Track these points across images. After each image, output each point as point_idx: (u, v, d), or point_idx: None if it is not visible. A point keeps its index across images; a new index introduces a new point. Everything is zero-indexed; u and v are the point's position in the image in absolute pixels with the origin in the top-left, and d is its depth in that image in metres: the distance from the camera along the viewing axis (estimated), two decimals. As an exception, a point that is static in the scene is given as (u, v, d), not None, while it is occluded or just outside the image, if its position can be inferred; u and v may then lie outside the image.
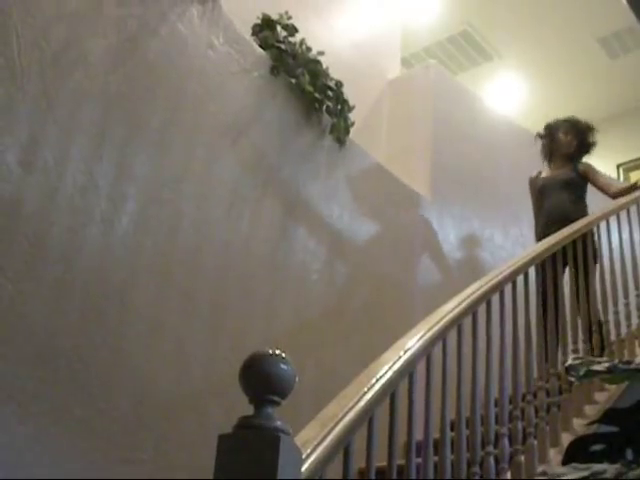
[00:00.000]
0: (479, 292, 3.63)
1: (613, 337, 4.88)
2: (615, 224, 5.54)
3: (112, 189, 4.11)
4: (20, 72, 3.78)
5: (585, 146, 6.49)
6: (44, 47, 3.92)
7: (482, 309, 3.69)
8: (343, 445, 2.01)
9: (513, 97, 11.11)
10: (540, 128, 6.66)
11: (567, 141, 6.45)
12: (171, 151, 4.49)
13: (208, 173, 4.71)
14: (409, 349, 2.66)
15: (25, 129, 3.80)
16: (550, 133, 6.60)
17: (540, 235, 5.97)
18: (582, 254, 4.96)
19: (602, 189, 6.27)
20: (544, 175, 6.52)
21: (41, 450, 3.58)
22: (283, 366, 1.62)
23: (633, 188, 6.04)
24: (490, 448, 3.48)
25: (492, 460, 3.47)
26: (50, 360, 3.71)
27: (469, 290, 3.61)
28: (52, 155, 3.88)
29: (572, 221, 5.25)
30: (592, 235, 5.25)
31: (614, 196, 6.03)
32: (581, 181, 6.29)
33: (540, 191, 6.41)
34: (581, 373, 1.61)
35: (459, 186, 7.21)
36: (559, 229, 5.07)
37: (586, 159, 6.49)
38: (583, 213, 5.90)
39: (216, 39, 4.93)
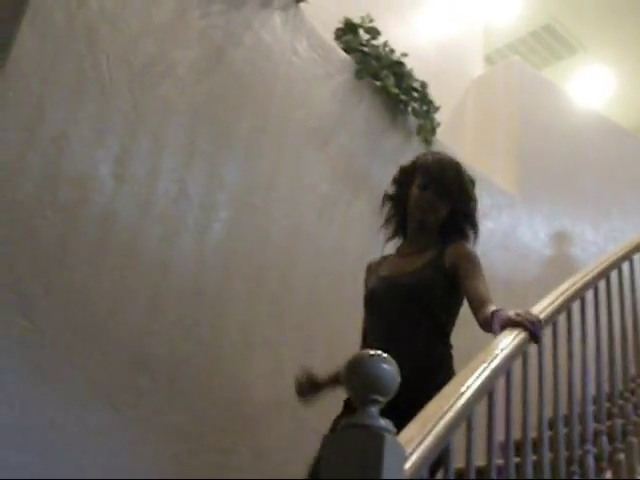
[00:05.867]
0: (573, 289, 3.58)
1: None
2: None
3: (203, 197, 4.18)
4: (110, 87, 3.87)
5: (461, 218, 3.39)
6: (132, 61, 4.00)
7: (576, 306, 3.66)
8: (443, 444, 2.02)
9: (600, 90, 10.94)
10: (630, 120, 6.04)
11: (428, 204, 3.30)
12: (260, 158, 4.55)
13: (297, 178, 4.75)
14: (505, 348, 2.65)
15: (116, 142, 3.89)
16: (401, 191, 3.47)
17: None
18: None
19: (473, 308, 3.08)
20: (384, 268, 3.42)
21: (139, 455, 3.67)
22: (385, 366, 1.64)
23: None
24: (589, 446, 3.44)
25: (591, 458, 3.42)
26: (147, 367, 3.79)
27: (563, 287, 3.57)
28: (144, 166, 3.96)
29: (416, 388, 2.52)
30: None
31: (484, 323, 2.95)
32: (448, 288, 3.21)
33: (369, 297, 3.38)
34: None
35: (547, 183, 7.13)
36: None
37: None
38: (441, 366, 3.11)
39: (300, 45, 4.97)
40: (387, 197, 3.53)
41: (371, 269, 3.53)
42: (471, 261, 3.24)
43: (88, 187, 3.71)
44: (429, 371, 2.97)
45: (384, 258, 3.49)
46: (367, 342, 3.32)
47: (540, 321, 2.92)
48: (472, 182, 3.42)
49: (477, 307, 3.06)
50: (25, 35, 3.55)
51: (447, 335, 3.23)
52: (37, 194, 3.53)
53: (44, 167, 3.58)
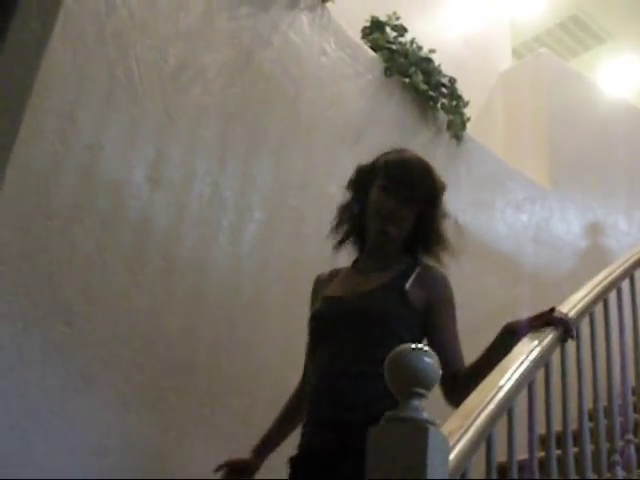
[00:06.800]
0: (609, 279, 3.58)
1: None
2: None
3: (238, 199, 4.21)
4: (141, 92, 3.91)
5: (430, 228, 2.75)
6: (162, 66, 4.04)
7: (613, 296, 3.65)
8: (485, 436, 2.03)
9: (629, 79, 10.86)
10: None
11: (391, 211, 2.67)
12: (292, 158, 4.57)
13: (329, 177, 4.77)
14: (544, 339, 2.66)
15: (150, 147, 3.93)
16: (359, 194, 2.86)
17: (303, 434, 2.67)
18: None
19: (440, 354, 1.81)
20: (333, 286, 2.81)
21: (184, 457, 3.69)
22: (427, 359, 1.65)
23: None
24: (630, 436, 3.44)
25: (632, 449, 3.42)
26: (188, 370, 3.83)
27: (599, 277, 3.57)
28: (177, 170, 4.00)
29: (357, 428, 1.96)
30: None
31: (464, 384, 2.44)
32: (408, 318, 2.61)
33: (312, 320, 2.78)
34: None
35: (579, 174, 7.11)
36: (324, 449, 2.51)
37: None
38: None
39: (328, 45, 4.99)
40: (343, 204, 2.92)
41: (320, 285, 2.92)
42: (451, 304, 2.70)
43: (123, 193, 3.75)
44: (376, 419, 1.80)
45: (335, 272, 2.90)
46: (307, 376, 2.78)
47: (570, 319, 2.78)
48: (443, 187, 2.79)
49: (453, 371, 2.51)
50: (56, 44, 3.59)
51: None
52: (74, 202, 3.57)
53: (79, 174, 3.62)
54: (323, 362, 2.63)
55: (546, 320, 2.68)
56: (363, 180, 2.84)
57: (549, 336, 2.68)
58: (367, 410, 2.32)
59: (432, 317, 2.63)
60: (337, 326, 2.62)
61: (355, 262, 2.87)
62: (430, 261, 2.74)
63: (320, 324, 2.71)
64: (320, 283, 2.91)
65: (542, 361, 2.62)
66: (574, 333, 2.80)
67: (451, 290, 2.70)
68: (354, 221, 2.86)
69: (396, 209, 2.66)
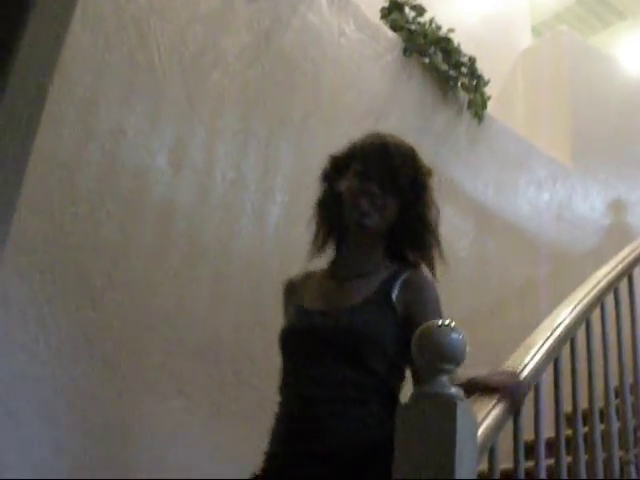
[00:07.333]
0: (633, 255, 3.58)
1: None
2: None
3: (260, 182, 4.22)
4: (162, 77, 3.91)
5: (416, 221, 2.36)
6: (183, 51, 4.04)
7: (637, 271, 3.64)
8: (512, 412, 2.04)
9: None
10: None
11: (369, 198, 2.32)
12: (313, 139, 4.56)
13: (351, 158, 4.77)
14: (567, 316, 2.66)
15: (172, 132, 3.93)
16: (334, 187, 2.51)
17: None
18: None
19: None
20: (308, 296, 2.44)
21: (209, 440, 3.71)
22: (454, 335, 1.65)
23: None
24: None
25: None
26: (215, 354, 3.84)
27: (623, 253, 3.57)
28: (200, 154, 4.01)
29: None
30: None
31: None
32: (397, 334, 2.20)
33: (285, 337, 2.42)
34: None
35: (602, 151, 7.06)
36: None
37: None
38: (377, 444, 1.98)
39: (347, 26, 4.97)
40: (317, 202, 2.57)
41: (291, 292, 2.52)
42: (437, 305, 2.29)
43: (147, 178, 3.76)
44: (364, 449, 2.05)
45: (309, 276, 2.51)
46: (281, 401, 2.39)
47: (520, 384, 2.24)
48: (429, 172, 2.41)
49: None
50: (76, 31, 3.58)
51: (391, 394, 2.20)
52: (97, 188, 3.58)
53: (102, 160, 3.63)
54: (298, 385, 2.30)
55: (496, 387, 2.12)
56: (339, 169, 2.48)
57: (573, 313, 2.67)
58: (352, 442, 2.09)
59: (413, 318, 2.14)
60: (315, 345, 2.26)
61: (332, 265, 2.47)
62: (418, 257, 2.37)
63: (294, 342, 2.35)
64: (291, 289, 2.52)
65: (566, 338, 2.62)
66: (521, 406, 2.23)
67: (437, 294, 2.29)
68: (330, 217, 2.49)
69: (375, 195, 2.30)
